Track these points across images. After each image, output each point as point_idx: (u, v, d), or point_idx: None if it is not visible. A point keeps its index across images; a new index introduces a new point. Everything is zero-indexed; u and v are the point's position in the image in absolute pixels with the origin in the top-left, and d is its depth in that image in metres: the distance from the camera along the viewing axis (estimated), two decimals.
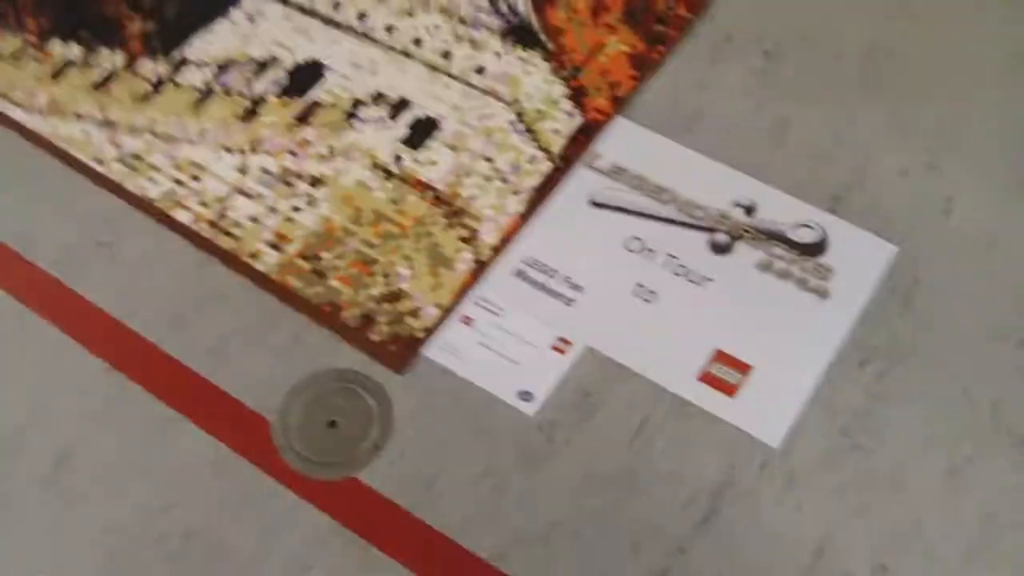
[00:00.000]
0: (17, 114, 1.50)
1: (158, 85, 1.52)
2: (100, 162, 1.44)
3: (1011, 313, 1.27)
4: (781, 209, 1.34)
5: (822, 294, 1.28)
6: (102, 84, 1.53)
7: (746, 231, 1.33)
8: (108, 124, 1.48)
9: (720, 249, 1.32)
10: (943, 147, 1.39)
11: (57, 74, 1.55)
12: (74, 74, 1.54)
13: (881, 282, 1.28)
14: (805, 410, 1.20)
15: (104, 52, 1.56)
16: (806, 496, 1.16)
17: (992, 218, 1.33)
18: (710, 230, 1.34)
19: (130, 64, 1.54)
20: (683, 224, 1.34)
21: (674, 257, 1.32)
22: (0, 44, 1.59)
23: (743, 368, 1.23)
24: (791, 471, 1.17)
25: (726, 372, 1.23)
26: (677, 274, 1.30)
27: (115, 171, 1.43)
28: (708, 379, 1.23)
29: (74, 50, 1.57)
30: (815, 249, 1.31)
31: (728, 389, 1.22)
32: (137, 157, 1.44)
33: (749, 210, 1.35)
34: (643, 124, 1.43)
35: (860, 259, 1.30)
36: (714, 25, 1.53)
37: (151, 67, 1.54)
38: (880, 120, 1.42)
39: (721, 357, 1.24)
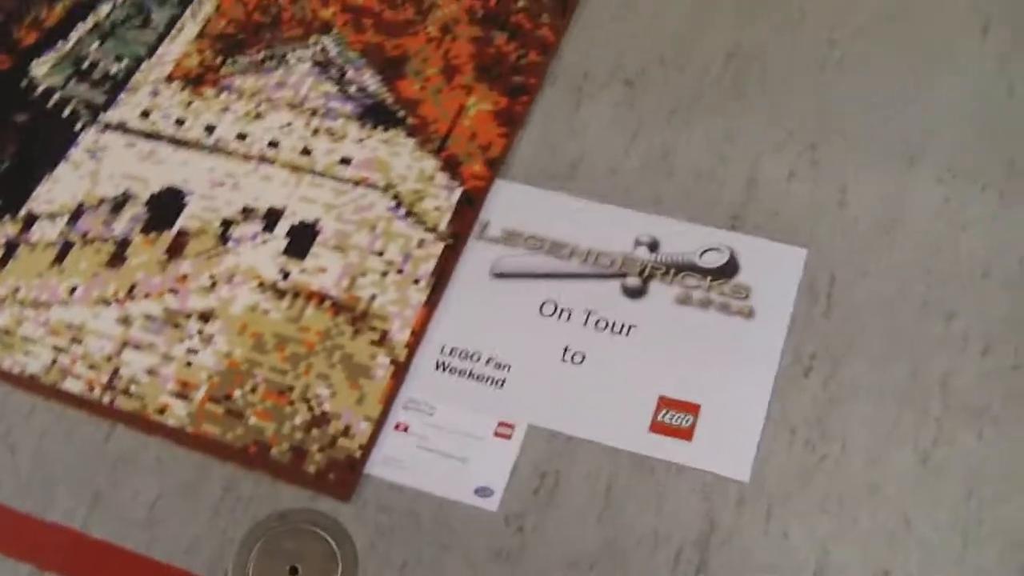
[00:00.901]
0: None
1: (10, 248, 1.42)
2: None
3: (930, 288, 1.27)
4: (684, 239, 1.33)
5: (747, 315, 1.27)
6: None
7: (655, 268, 1.31)
8: None
9: (635, 293, 1.30)
10: (823, 138, 1.39)
11: None
12: None
13: (800, 288, 1.28)
14: (764, 434, 1.19)
15: None
16: (791, 521, 1.14)
17: (886, 198, 1.34)
18: (620, 276, 1.31)
19: None
20: (591, 276, 1.31)
21: (592, 312, 1.29)
22: None
23: (691, 409, 1.21)
24: (769, 500, 1.15)
25: (676, 417, 1.21)
26: (599, 329, 1.27)
27: None
28: (660, 428, 1.20)
29: None
30: (727, 271, 1.30)
31: (683, 434, 1.20)
32: (7, 332, 1.35)
33: (652, 246, 1.32)
34: (524, 182, 1.40)
35: (774, 271, 1.29)
36: (568, 65, 1.50)
37: None
38: (757, 126, 1.41)
39: (667, 403, 1.22)
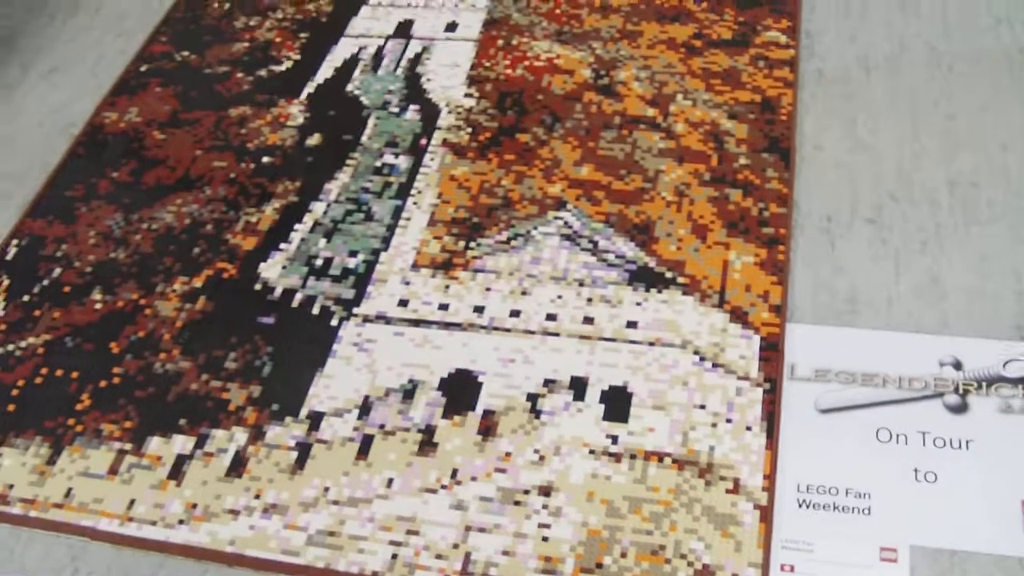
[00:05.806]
0: (151, 532, 1.33)
1: (303, 449, 1.39)
2: (292, 553, 1.30)
3: None
4: (982, 353, 1.41)
5: None
6: (238, 468, 1.38)
7: (967, 385, 1.38)
8: (273, 509, 1.34)
9: (957, 410, 1.37)
10: None
11: (176, 475, 1.39)
12: (197, 469, 1.39)
13: None
14: None
15: (218, 434, 1.42)
16: None
17: None
18: (938, 395, 1.38)
19: (257, 437, 1.41)
20: (911, 400, 1.38)
21: (926, 433, 1.35)
22: (87, 462, 1.41)
23: None
24: None
25: None
26: (939, 447, 1.33)
27: (315, 556, 1.29)
28: None
29: (180, 443, 1.42)
30: None
31: None
32: (331, 534, 1.31)
33: (957, 365, 1.40)
34: (812, 322, 1.46)
35: None
36: (807, 212, 1.59)
37: (283, 432, 1.41)
38: (1005, 244, 1.52)
39: None
